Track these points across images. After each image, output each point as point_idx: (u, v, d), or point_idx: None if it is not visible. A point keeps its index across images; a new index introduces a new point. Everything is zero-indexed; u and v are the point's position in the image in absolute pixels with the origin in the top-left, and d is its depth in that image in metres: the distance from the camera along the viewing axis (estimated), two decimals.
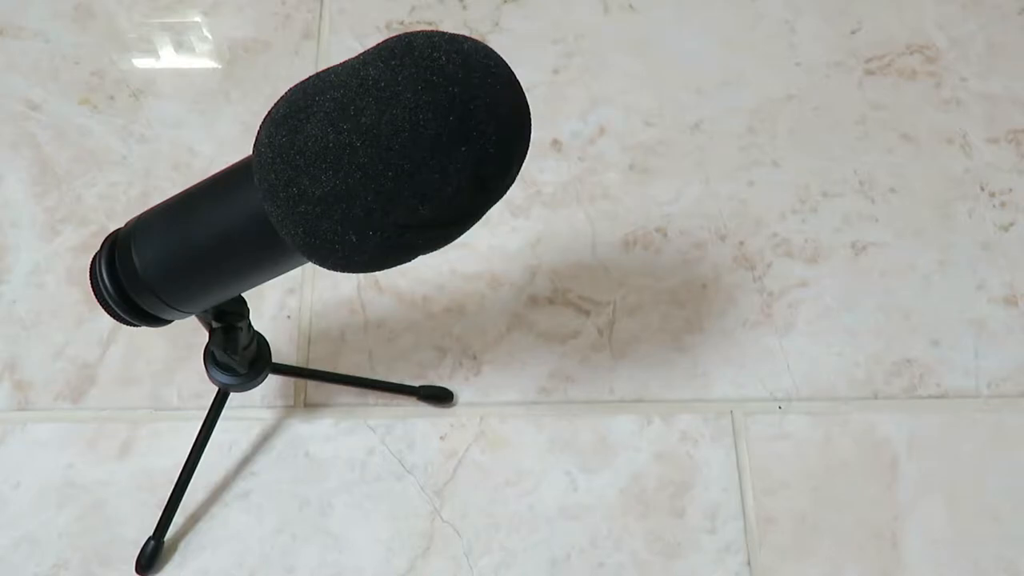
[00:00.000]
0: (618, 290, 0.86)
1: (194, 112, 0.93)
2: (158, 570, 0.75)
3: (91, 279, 0.55)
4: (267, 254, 0.49)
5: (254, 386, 0.69)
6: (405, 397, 0.80)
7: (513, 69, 0.45)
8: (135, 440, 0.79)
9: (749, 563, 0.76)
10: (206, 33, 0.98)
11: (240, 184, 0.48)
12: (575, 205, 0.90)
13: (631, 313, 0.85)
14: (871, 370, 0.83)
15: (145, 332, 0.81)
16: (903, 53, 0.98)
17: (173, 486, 0.74)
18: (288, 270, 0.52)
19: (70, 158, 0.91)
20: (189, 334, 0.82)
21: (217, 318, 0.60)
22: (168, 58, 0.97)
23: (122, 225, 0.55)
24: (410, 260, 0.46)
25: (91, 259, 0.56)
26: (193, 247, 0.51)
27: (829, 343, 0.84)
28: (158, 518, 0.74)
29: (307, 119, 0.43)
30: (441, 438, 0.80)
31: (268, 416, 0.80)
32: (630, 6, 1.00)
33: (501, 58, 0.44)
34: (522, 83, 0.45)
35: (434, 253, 0.46)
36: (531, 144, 0.46)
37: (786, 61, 0.97)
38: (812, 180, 0.91)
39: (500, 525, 0.77)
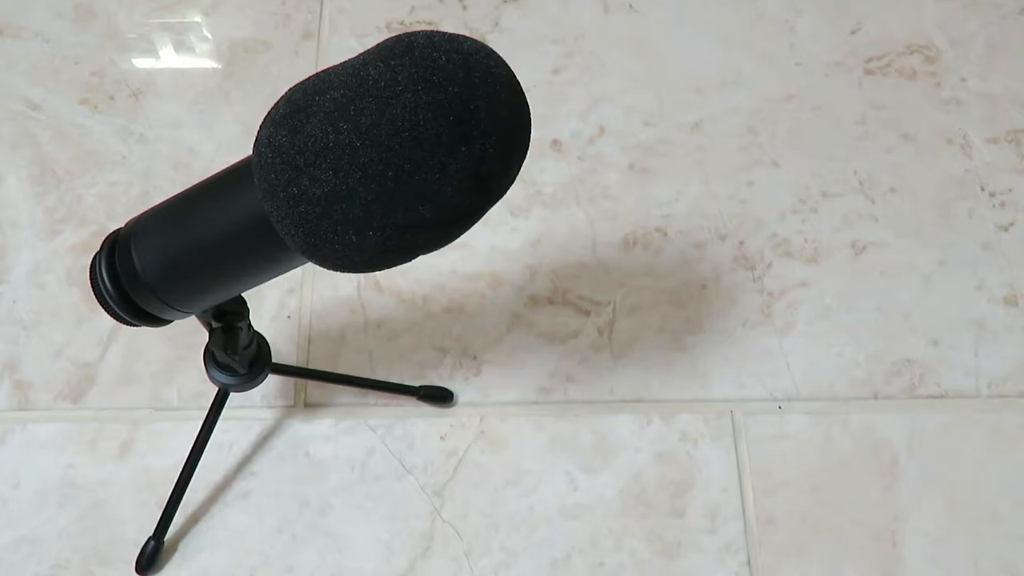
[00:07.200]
0: (618, 290, 0.86)
1: (194, 112, 0.93)
2: (158, 570, 0.75)
3: (91, 279, 0.55)
4: (267, 254, 0.49)
5: (254, 386, 0.69)
6: (405, 397, 0.80)
7: (513, 69, 0.45)
8: (135, 440, 0.79)
9: (749, 563, 0.76)
10: (206, 33, 0.98)
11: (240, 184, 0.48)
12: (575, 205, 0.90)
13: (631, 313, 0.85)
14: (871, 370, 0.83)
15: (145, 332, 0.81)
16: (903, 53, 0.98)
17: (173, 486, 0.74)
18: (288, 270, 0.52)
19: (70, 158, 0.91)
20: (189, 334, 0.82)
21: (217, 318, 0.60)
22: (168, 58, 0.97)
23: (122, 225, 0.55)
24: (410, 260, 0.46)
25: (91, 259, 0.56)
26: (193, 247, 0.51)
27: (829, 343, 0.84)
28: (158, 518, 0.74)
29: (307, 119, 0.43)
30: (441, 438, 0.80)
31: (268, 416, 0.80)
32: (630, 6, 1.00)
33: (501, 58, 0.44)
34: (522, 83, 0.45)
35: (434, 253, 0.46)
36: (531, 144, 0.46)
37: (786, 61, 0.97)
38: (812, 180, 0.91)
39: (500, 525, 0.77)
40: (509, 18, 0.99)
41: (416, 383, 0.81)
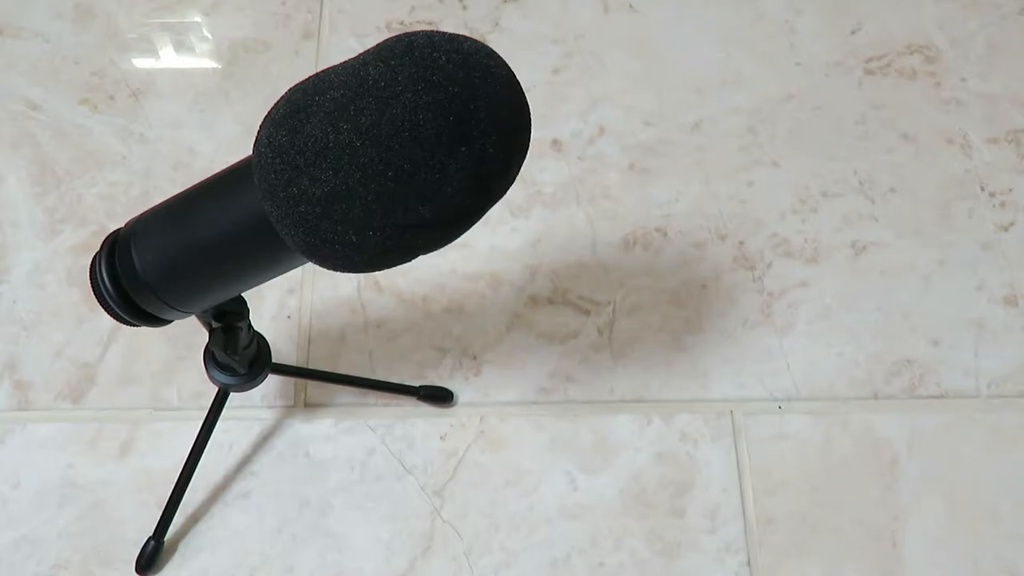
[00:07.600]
0: (618, 290, 0.86)
1: (194, 112, 0.93)
2: (158, 570, 0.75)
3: (91, 279, 0.55)
4: (267, 254, 0.49)
5: (254, 386, 0.69)
6: (405, 397, 0.80)
7: (513, 69, 0.45)
8: (135, 440, 0.79)
9: (749, 563, 0.76)
10: (206, 33, 0.98)
11: (240, 184, 0.48)
12: (575, 205, 0.90)
13: (631, 313, 0.85)
14: (871, 370, 0.83)
15: (145, 332, 0.81)
16: (903, 53, 0.98)
17: (173, 486, 0.74)
18: (288, 270, 0.52)
19: (70, 158, 0.91)
20: (189, 334, 0.82)
21: (217, 318, 0.60)
22: (168, 58, 0.97)
23: (122, 225, 0.55)
24: (410, 260, 0.46)
25: (91, 259, 0.56)
26: (193, 247, 0.51)
27: (829, 343, 0.84)
28: (158, 518, 0.74)
29: (307, 119, 0.43)
30: (441, 438, 0.80)
31: (268, 416, 0.80)
32: (630, 6, 1.00)
33: (501, 58, 0.44)
34: (522, 83, 0.45)
35: (434, 253, 0.46)
36: (531, 144, 0.46)
37: (786, 61, 0.97)
38: (812, 180, 0.91)
39: (500, 525, 0.77)
40: (509, 18, 0.99)
41: (416, 383, 0.81)
